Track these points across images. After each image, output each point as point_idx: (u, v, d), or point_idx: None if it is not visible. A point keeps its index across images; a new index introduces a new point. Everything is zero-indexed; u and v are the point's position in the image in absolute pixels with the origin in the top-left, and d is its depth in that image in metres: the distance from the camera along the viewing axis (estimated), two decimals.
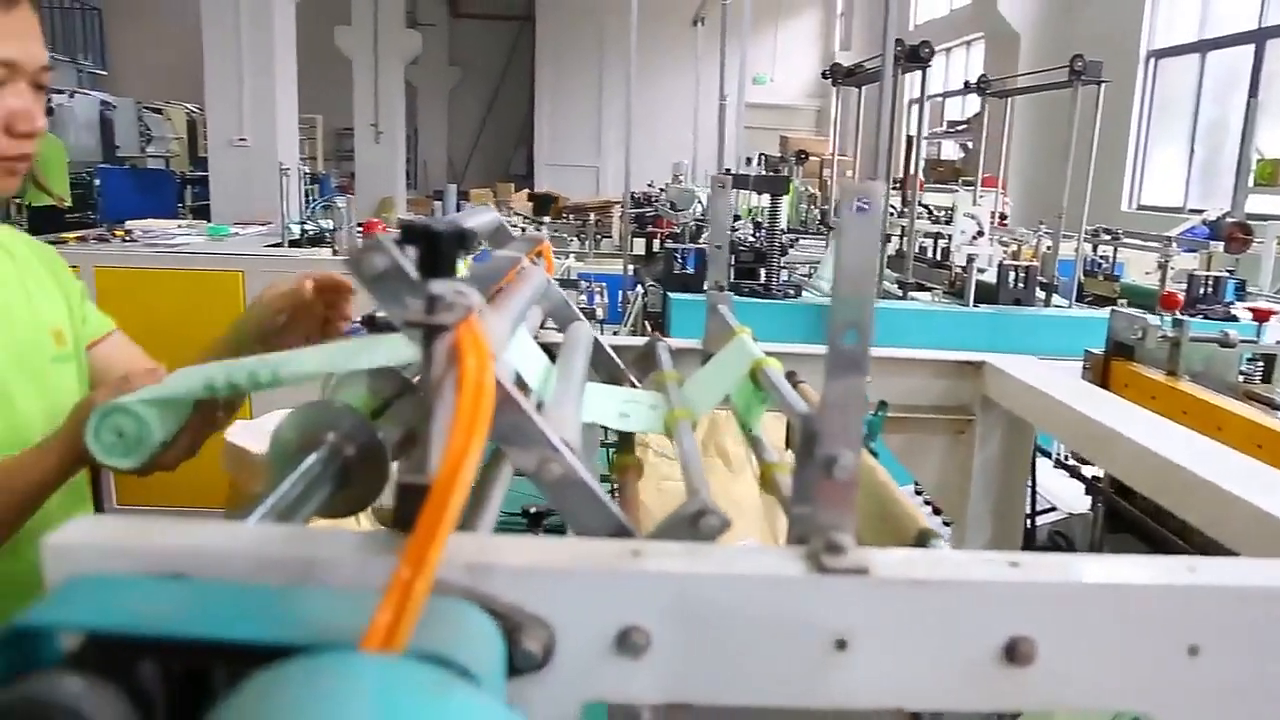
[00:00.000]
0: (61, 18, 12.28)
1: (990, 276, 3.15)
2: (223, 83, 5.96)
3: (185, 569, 0.46)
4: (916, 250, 3.51)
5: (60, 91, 8.16)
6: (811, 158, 5.39)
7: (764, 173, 4.32)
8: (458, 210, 12.37)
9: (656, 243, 4.26)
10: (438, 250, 0.41)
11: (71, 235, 3.54)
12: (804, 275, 3.52)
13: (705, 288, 1.00)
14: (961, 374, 1.15)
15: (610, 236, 6.95)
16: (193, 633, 0.39)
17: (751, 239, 3.12)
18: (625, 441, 0.78)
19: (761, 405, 0.75)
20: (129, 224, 3.92)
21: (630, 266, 3.87)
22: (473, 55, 14.63)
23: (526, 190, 9.12)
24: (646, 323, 3.01)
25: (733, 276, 2.88)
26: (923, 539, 0.62)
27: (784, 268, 2.98)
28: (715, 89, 6.54)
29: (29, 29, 1.06)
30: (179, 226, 4.28)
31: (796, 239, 3.89)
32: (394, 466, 0.69)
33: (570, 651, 0.45)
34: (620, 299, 4.01)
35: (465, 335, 0.43)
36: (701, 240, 3.27)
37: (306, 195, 3.86)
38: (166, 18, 13.01)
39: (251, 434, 2.13)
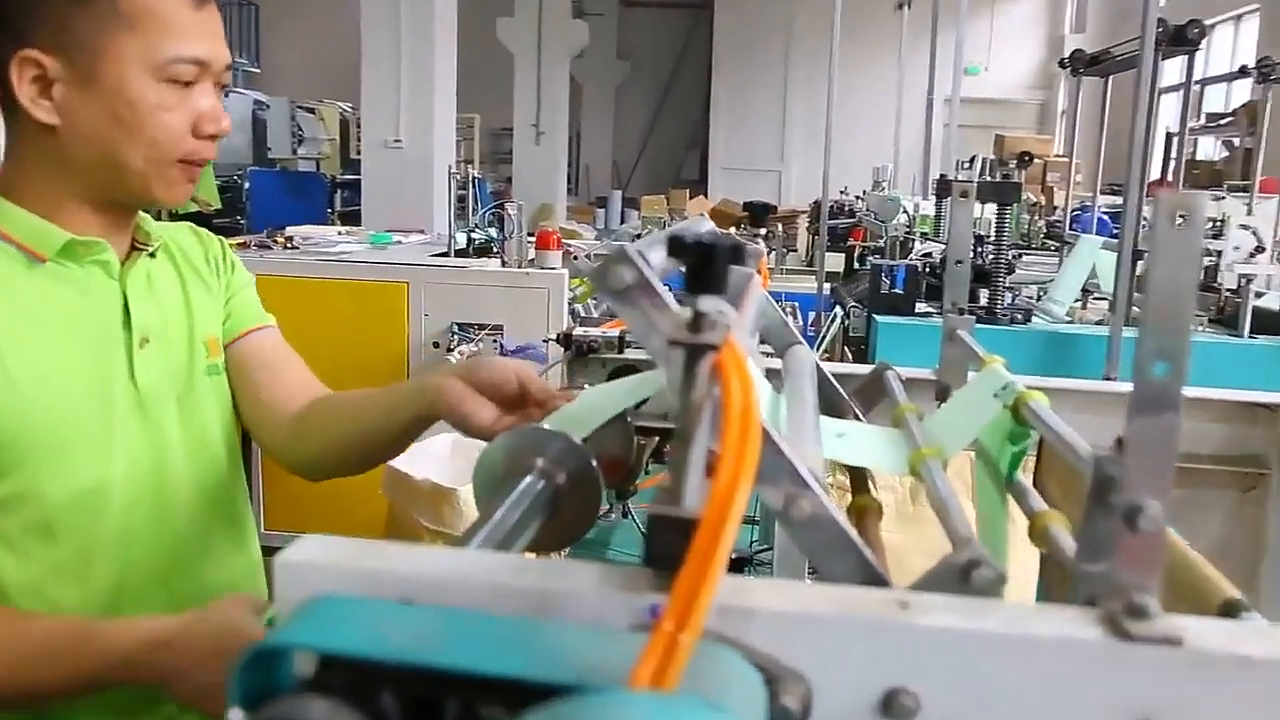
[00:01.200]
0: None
1: (1270, 301, 2.95)
2: (379, 80, 6.32)
3: (413, 594, 0.50)
4: None
5: None
6: (1035, 160, 5.21)
7: (988, 178, 4.21)
8: (621, 220, 12.50)
9: (855, 258, 4.22)
10: (711, 265, 0.44)
11: (233, 241, 3.84)
12: (1029, 298, 3.41)
13: (943, 310, 0.99)
14: (1254, 419, 1.09)
15: (796, 250, 6.93)
16: (441, 662, 0.42)
17: (971, 254, 3.05)
18: (859, 481, 0.78)
19: (1021, 445, 0.74)
20: (289, 230, 4.22)
21: (826, 285, 3.85)
22: (643, 48, 14.96)
23: (725, 200, 9.18)
24: (846, 348, 2.98)
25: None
26: (1231, 609, 0.60)
27: (1009, 288, 2.90)
28: (921, 82, 6.44)
29: (216, 27, 1.16)
30: (339, 233, 4.56)
31: (1019, 255, 3.77)
32: None
33: (829, 712, 0.46)
34: (810, 321, 3.99)
35: (728, 357, 0.45)
36: (911, 256, 3.21)
37: (462, 200, 4.03)
38: (325, 13, 13.97)
39: (412, 458, 2.25)
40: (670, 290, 0.55)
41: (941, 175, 5.12)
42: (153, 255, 1.25)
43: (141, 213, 1.25)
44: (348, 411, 1.30)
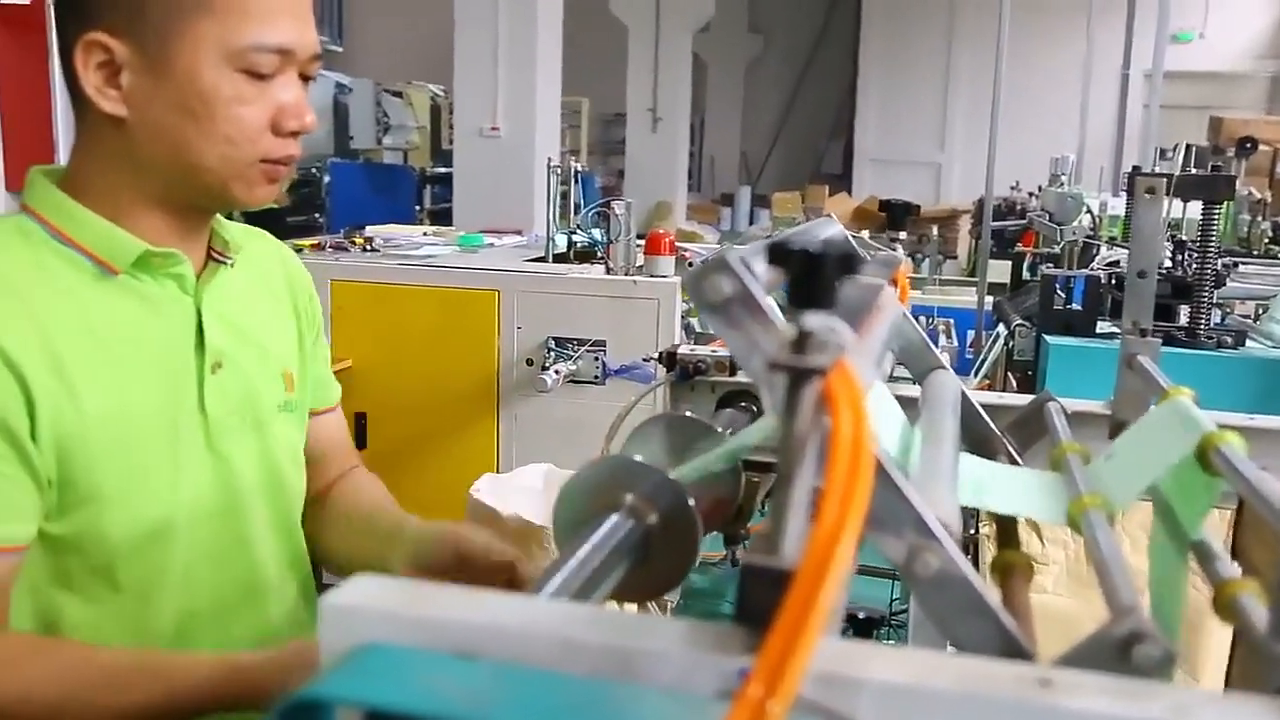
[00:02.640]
0: None
1: None
2: (475, 59, 6.44)
3: (475, 646, 0.51)
4: None
5: None
6: (1261, 147, 5.01)
7: (1191, 170, 4.09)
8: (750, 220, 12.48)
9: (1024, 267, 4.13)
10: (817, 276, 0.44)
11: (307, 242, 3.99)
12: (1244, 316, 3.28)
13: (1121, 330, 0.97)
14: None
15: (955, 257, 6.84)
16: None
17: (1169, 264, 2.95)
18: (1007, 534, 0.77)
19: (1209, 496, 0.72)
20: (369, 230, 4.36)
21: (989, 298, 3.79)
22: (779, 19, 14.93)
23: (872, 198, 9.09)
24: (1010, 374, 2.92)
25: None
26: None
27: (1218, 305, 2.80)
28: (1116, 53, 6.29)
29: (304, 10, 1.19)
30: (424, 234, 4.69)
31: (1234, 264, 3.64)
32: None
33: None
34: (969, 341, 3.92)
35: (838, 383, 0.45)
36: (1094, 265, 3.13)
37: (565, 197, 4.09)
38: None
39: (500, 492, 2.29)
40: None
41: (1135, 167, 4.98)
42: (231, 267, 1.29)
43: (220, 217, 1.29)
44: (371, 536, 1.42)
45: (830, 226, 0.87)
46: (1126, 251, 3.68)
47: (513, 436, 3.54)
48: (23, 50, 3.20)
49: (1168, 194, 2.88)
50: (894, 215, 5.58)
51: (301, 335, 1.42)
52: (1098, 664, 0.51)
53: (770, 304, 0.54)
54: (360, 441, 3.64)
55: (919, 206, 7.09)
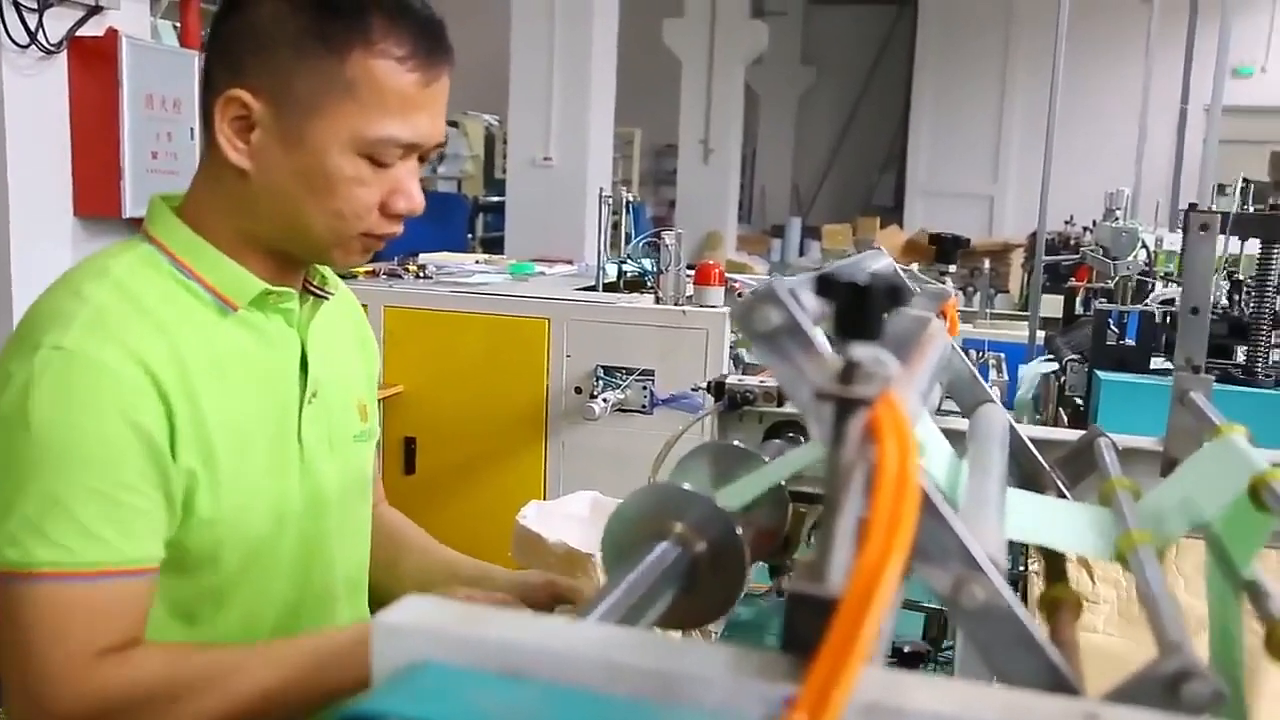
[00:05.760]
0: None
1: None
2: (529, 89, 6.54)
3: (522, 667, 0.52)
4: None
5: None
6: None
7: (1248, 207, 4.05)
8: (800, 252, 12.40)
9: (1078, 302, 4.10)
10: (864, 307, 0.45)
11: (361, 269, 4.03)
12: None
13: (1173, 367, 0.96)
14: None
15: (1007, 291, 6.80)
16: None
17: (1226, 302, 2.92)
18: (1055, 570, 0.77)
19: (1261, 534, 0.71)
20: (422, 258, 4.41)
21: (1040, 333, 3.76)
22: (832, 51, 14.92)
23: (923, 231, 9.04)
24: (1061, 410, 2.90)
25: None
26: None
27: (1278, 345, 2.77)
28: (1174, 88, 6.24)
29: (441, 103, 1.23)
30: (476, 262, 4.74)
31: None
32: None
33: None
34: (1019, 376, 3.90)
35: (885, 414, 0.46)
36: (1149, 301, 3.11)
37: (616, 227, 4.12)
38: (470, 12, 14.51)
39: (547, 518, 2.30)
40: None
41: (1192, 204, 4.94)
42: (328, 301, 1.35)
43: None
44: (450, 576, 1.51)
45: (879, 259, 0.88)
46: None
47: (560, 464, 3.55)
48: (96, 82, 3.31)
49: (1225, 232, 2.85)
50: (943, 248, 5.54)
51: (369, 372, 1.49)
52: (1146, 701, 0.51)
53: (818, 335, 0.54)
54: (409, 466, 3.67)
55: (969, 240, 7.04)
